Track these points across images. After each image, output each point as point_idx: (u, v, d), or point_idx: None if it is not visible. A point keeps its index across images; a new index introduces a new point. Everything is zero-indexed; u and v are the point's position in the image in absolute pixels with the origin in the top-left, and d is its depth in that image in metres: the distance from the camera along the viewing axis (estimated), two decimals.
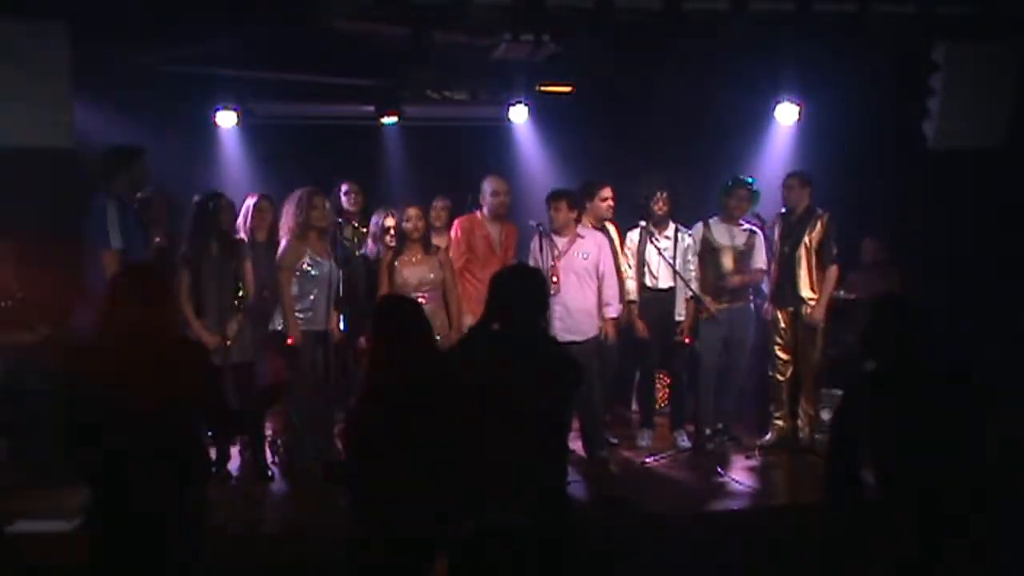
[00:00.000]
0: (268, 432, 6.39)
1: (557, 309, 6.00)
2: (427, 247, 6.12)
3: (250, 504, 5.59)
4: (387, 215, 6.31)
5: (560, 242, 6.23)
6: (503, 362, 3.59)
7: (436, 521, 3.28)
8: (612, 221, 6.79)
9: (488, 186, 6.39)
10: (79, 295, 5.73)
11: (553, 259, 6.15)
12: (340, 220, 6.60)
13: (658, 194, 6.55)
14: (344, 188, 6.83)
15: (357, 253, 6.54)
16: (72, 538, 4.68)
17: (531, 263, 5.96)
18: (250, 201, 6.25)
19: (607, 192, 6.58)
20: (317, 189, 6.07)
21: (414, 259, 6.06)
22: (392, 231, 6.20)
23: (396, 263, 6.04)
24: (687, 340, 6.58)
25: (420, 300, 5.86)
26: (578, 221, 6.34)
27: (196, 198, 5.84)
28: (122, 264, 5.43)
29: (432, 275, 6.05)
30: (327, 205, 6.10)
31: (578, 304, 6.17)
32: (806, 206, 6.54)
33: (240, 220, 6.13)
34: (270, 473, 5.97)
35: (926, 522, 3.35)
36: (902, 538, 3.44)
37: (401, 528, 3.39)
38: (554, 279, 6.06)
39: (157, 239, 6.12)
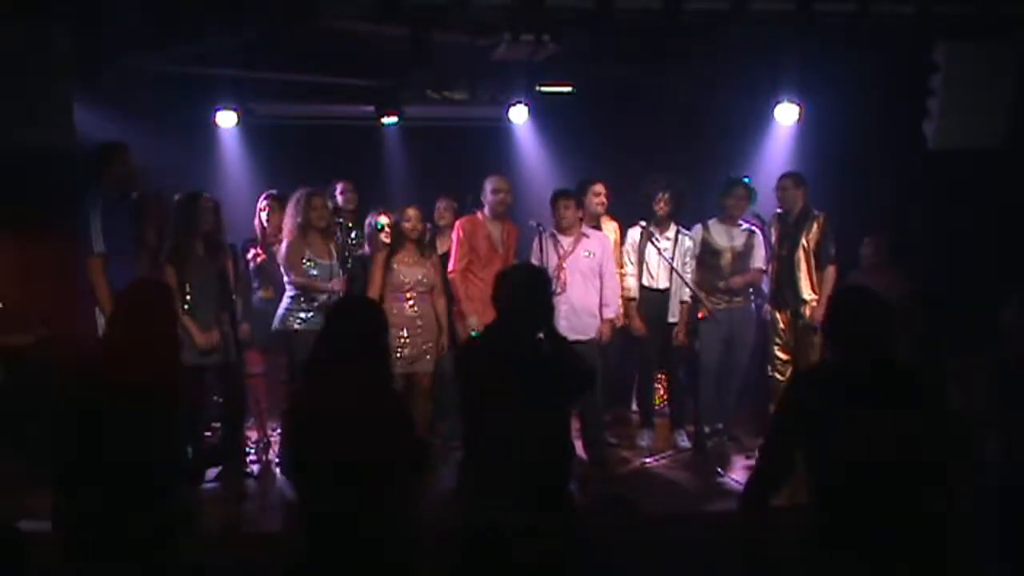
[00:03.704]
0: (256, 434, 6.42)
1: (563, 308, 6.01)
2: (423, 248, 6.12)
3: (244, 503, 5.58)
4: (379, 214, 6.31)
5: (565, 241, 6.25)
6: (508, 363, 3.59)
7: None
8: (613, 218, 6.79)
9: (489, 184, 6.40)
10: (77, 296, 5.75)
11: (559, 258, 6.17)
12: (340, 220, 6.62)
13: (660, 194, 6.56)
14: (339, 187, 6.84)
15: (357, 253, 6.55)
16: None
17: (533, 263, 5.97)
18: (262, 201, 6.31)
19: (599, 188, 6.62)
20: (316, 189, 6.09)
21: (410, 259, 6.07)
22: (387, 229, 6.19)
23: (393, 261, 6.04)
24: (684, 342, 6.59)
25: (411, 300, 5.95)
26: (582, 220, 6.36)
27: (178, 197, 5.85)
28: (105, 267, 5.45)
29: (426, 277, 6.07)
30: (328, 205, 6.11)
31: (583, 303, 6.19)
32: (802, 207, 6.55)
33: (257, 220, 6.34)
34: (250, 471, 6.01)
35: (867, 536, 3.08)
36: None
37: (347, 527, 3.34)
38: (560, 278, 6.08)
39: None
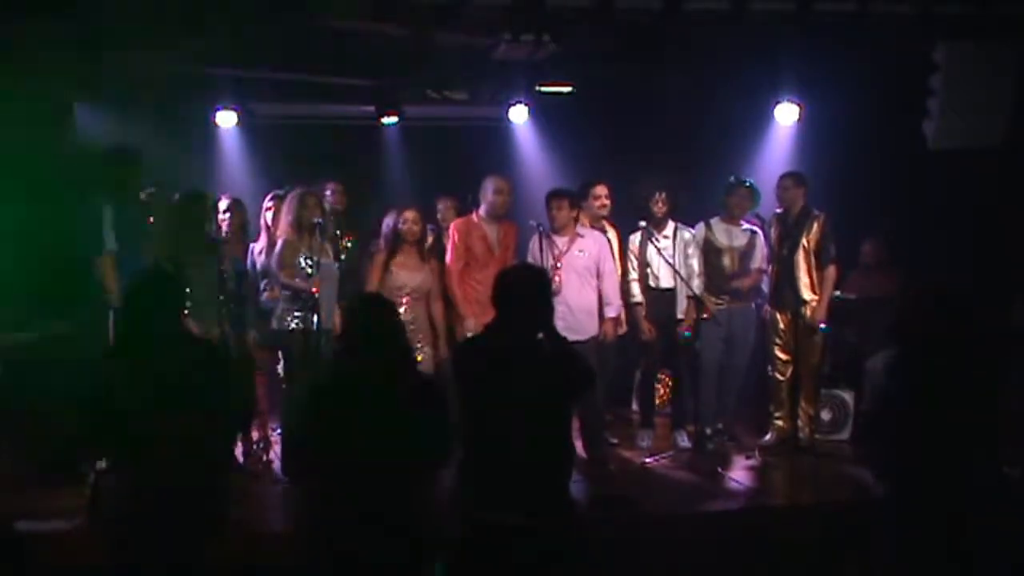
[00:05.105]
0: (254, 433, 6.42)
1: (559, 309, 5.97)
2: (422, 251, 6.12)
3: (244, 503, 5.58)
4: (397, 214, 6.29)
5: (560, 241, 6.23)
6: (507, 363, 3.59)
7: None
8: (612, 224, 6.78)
9: (490, 184, 6.37)
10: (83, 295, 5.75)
11: (554, 258, 6.16)
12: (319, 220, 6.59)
13: (656, 195, 6.56)
14: (330, 188, 6.81)
15: (342, 256, 6.51)
16: (72, 538, 4.68)
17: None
18: (267, 201, 6.31)
19: (600, 190, 6.60)
20: (310, 189, 6.07)
21: (409, 262, 6.05)
22: None
23: (391, 264, 6.04)
24: (689, 330, 6.58)
25: (404, 303, 5.92)
26: (576, 220, 6.35)
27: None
28: (116, 266, 5.46)
29: (422, 281, 6.05)
30: (323, 205, 6.10)
31: (579, 303, 6.17)
32: (802, 207, 6.54)
33: (262, 220, 6.30)
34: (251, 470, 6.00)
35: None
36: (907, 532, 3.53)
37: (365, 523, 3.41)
38: (555, 279, 6.07)
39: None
